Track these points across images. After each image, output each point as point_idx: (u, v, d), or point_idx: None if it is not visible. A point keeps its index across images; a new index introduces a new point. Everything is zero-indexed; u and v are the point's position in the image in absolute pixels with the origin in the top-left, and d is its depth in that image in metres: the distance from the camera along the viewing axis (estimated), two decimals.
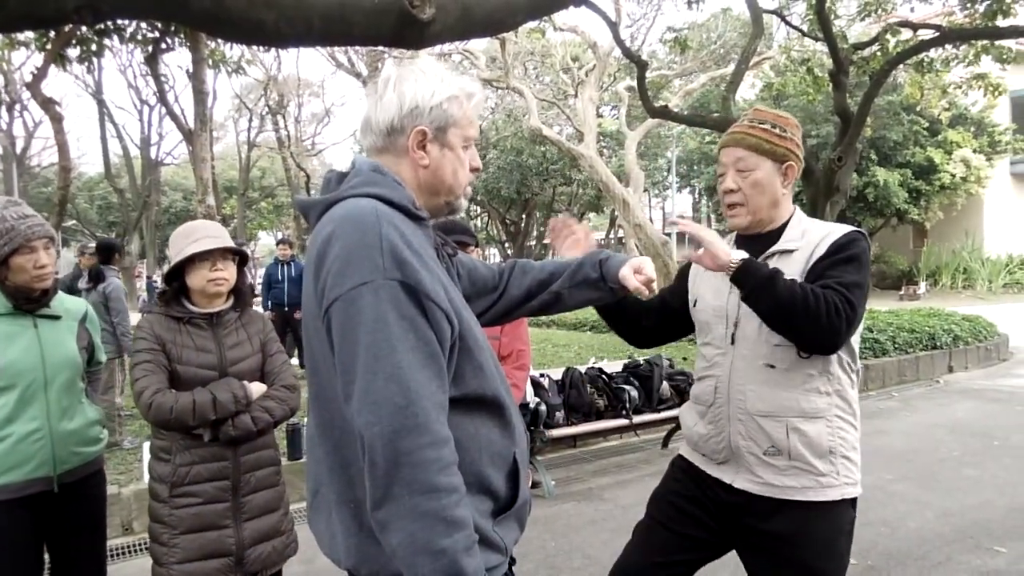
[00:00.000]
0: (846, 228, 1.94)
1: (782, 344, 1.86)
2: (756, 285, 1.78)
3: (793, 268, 1.90)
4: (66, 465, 2.46)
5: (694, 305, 2.11)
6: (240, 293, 2.58)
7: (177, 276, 2.46)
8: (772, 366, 1.87)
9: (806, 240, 1.94)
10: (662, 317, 2.20)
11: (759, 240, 2.00)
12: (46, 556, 2.55)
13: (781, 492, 1.87)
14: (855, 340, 1.91)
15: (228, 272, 2.48)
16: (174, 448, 2.40)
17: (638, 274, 1.61)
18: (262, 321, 2.65)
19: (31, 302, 2.44)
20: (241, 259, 2.56)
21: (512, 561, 1.45)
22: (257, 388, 2.49)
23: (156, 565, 2.40)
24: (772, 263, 1.92)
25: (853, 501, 1.93)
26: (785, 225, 2.00)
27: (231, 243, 2.48)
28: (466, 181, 1.50)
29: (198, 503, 2.38)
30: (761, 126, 1.97)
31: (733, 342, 1.95)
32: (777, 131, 1.96)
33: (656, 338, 2.28)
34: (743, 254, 1.81)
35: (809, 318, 1.74)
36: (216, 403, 2.35)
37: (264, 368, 2.57)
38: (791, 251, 1.94)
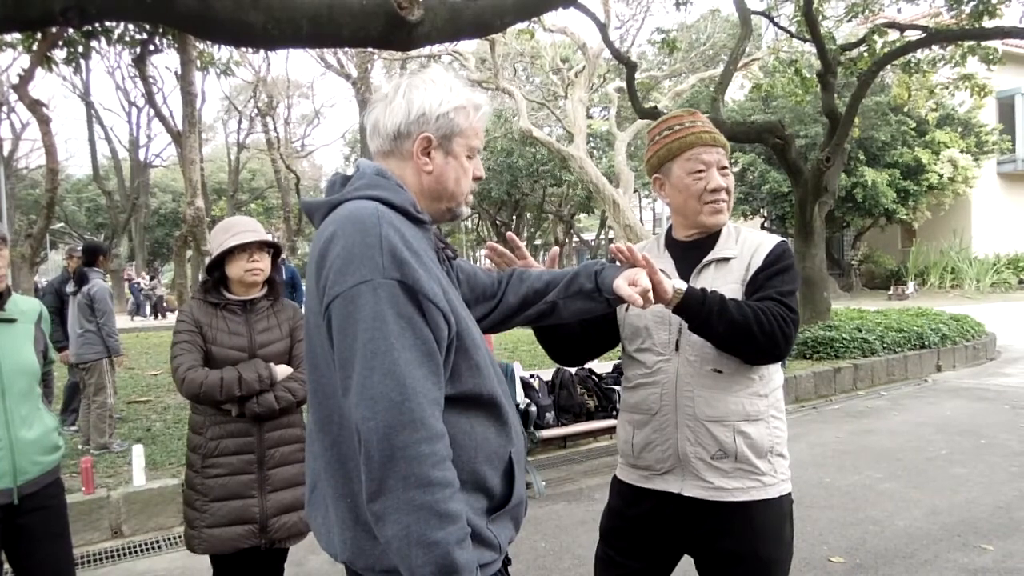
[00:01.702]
0: (775, 238, 1.96)
1: None
2: (706, 314, 1.76)
3: (732, 276, 1.90)
4: (26, 475, 2.37)
5: (626, 309, 2.00)
6: (273, 283, 2.78)
7: (218, 267, 2.66)
8: (720, 371, 1.86)
9: (740, 248, 1.94)
10: (589, 327, 2.05)
11: (696, 247, 1.99)
12: (7, 567, 2.49)
13: (728, 495, 1.87)
14: None
15: (264, 263, 2.69)
16: (207, 422, 2.60)
17: (633, 285, 1.59)
18: (292, 310, 2.84)
19: None
20: (275, 252, 2.76)
21: (508, 560, 1.46)
22: (283, 370, 2.67)
23: (189, 528, 2.62)
24: (711, 270, 1.93)
25: (790, 493, 1.96)
26: (719, 232, 1.99)
27: (267, 237, 2.68)
28: (468, 189, 1.52)
29: (225, 474, 2.58)
30: (715, 130, 1.98)
31: (677, 348, 1.91)
32: None
33: (582, 352, 2.15)
34: (683, 284, 1.77)
35: (765, 335, 1.76)
36: (241, 381, 2.54)
37: (291, 352, 2.75)
38: (728, 259, 1.94)
